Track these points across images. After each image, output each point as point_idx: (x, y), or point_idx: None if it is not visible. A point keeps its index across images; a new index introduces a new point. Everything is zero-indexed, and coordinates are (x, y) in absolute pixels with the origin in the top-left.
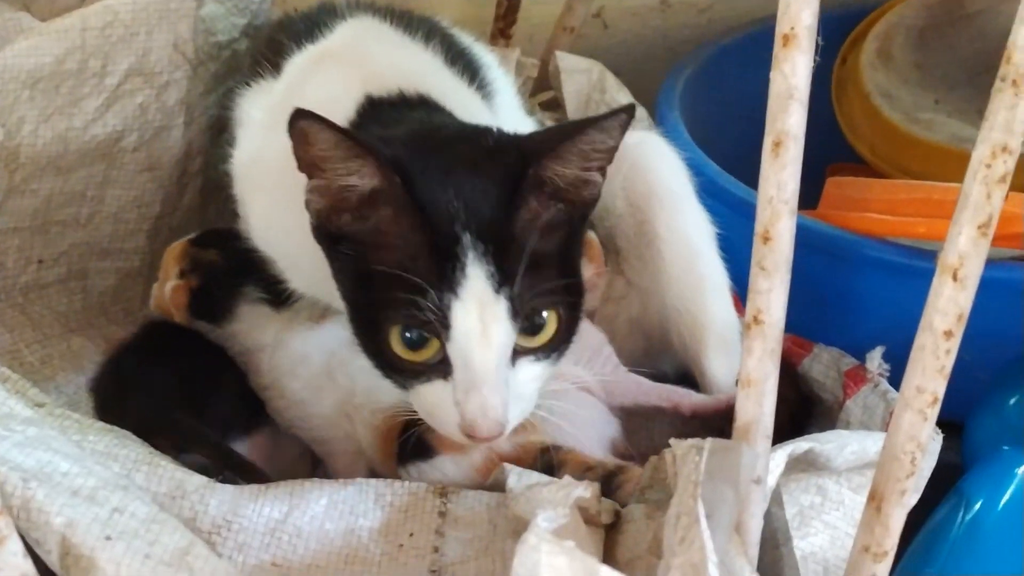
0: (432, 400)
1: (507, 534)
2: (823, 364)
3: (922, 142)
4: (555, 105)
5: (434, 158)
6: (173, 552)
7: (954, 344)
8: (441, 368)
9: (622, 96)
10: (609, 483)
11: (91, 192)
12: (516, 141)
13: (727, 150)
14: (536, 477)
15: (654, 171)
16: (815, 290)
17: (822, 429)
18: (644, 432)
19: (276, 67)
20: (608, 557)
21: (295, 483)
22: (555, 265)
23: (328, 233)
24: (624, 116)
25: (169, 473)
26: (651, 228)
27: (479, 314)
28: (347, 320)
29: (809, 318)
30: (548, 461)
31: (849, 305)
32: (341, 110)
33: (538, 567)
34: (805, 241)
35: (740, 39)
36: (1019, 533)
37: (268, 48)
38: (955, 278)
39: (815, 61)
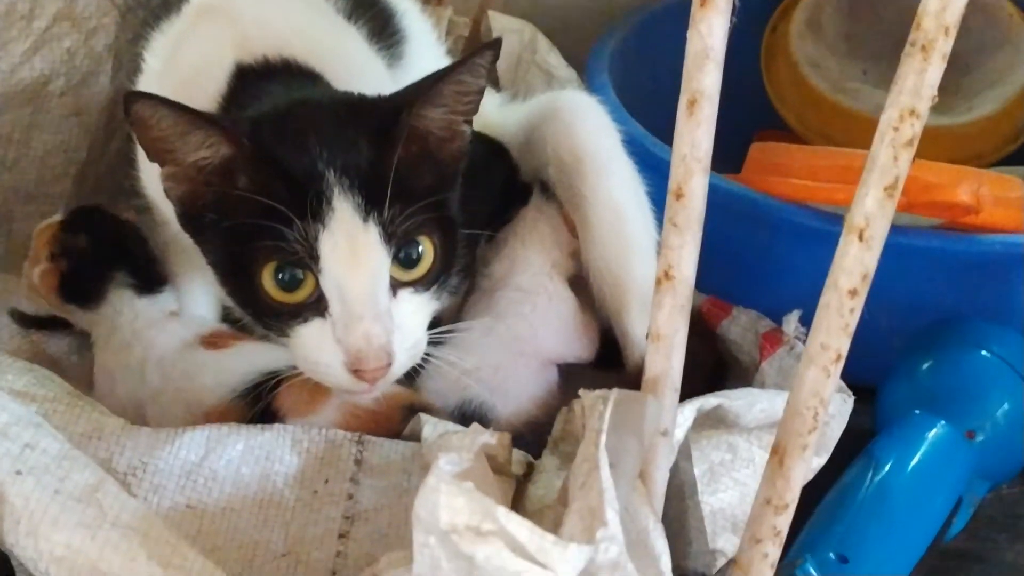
0: (313, 342)
1: (420, 482)
2: (741, 326)
3: (848, 111)
4: None
5: (293, 122)
6: (83, 488)
7: (859, 303)
8: (318, 306)
9: (553, 57)
10: None
11: (17, 135)
12: (389, 96)
13: (657, 114)
14: (451, 427)
15: (581, 133)
16: (736, 253)
17: None
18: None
19: (179, 8)
20: (518, 507)
21: (212, 427)
22: (427, 200)
23: (193, 218)
24: (490, 53)
25: (87, 415)
26: (579, 191)
27: (349, 243)
28: (219, 284)
29: (730, 281)
30: (415, 426)
31: (769, 269)
32: (213, 83)
33: (437, 508)
34: (727, 205)
35: (672, 4)
36: (926, 496)
37: None
38: (861, 238)
39: (732, 22)
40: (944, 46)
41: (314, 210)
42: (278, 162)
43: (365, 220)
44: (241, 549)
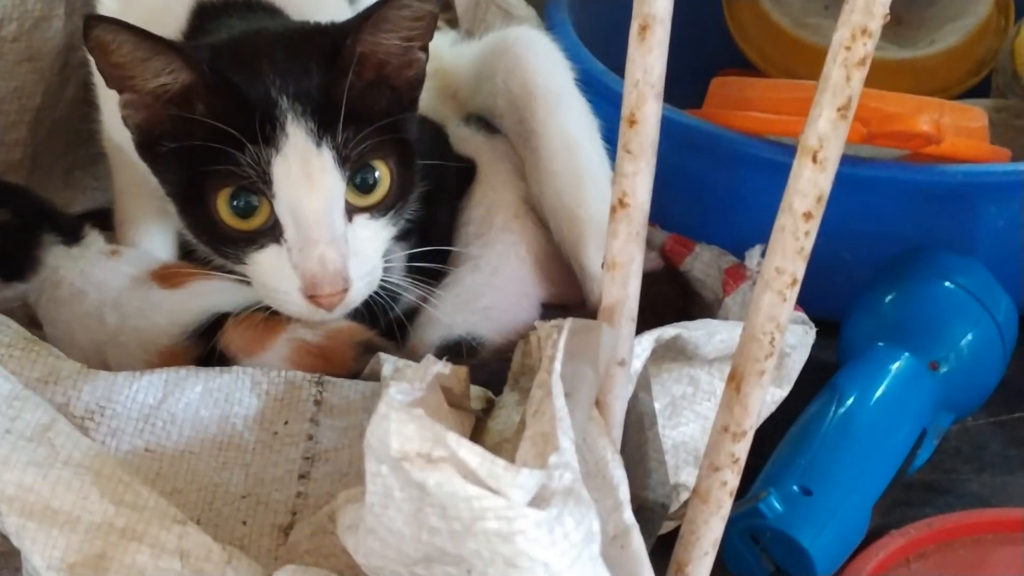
0: (268, 268)
1: None
2: (704, 263)
3: (810, 46)
4: (445, 6)
5: (247, 49)
6: (35, 428)
7: (813, 226)
8: (273, 232)
9: None
10: None
11: None
12: (339, 23)
13: (617, 51)
14: (411, 365)
15: (532, 67)
16: (698, 189)
17: None
18: None
19: None
20: (476, 442)
21: (171, 370)
22: (382, 124)
23: (151, 146)
24: None
25: (43, 359)
26: (529, 125)
27: (302, 166)
28: (177, 213)
29: (692, 217)
30: (368, 362)
31: (731, 203)
32: (174, 20)
33: (388, 435)
34: (688, 140)
35: None
36: (890, 428)
37: None
38: (815, 160)
39: None
40: None
41: (268, 135)
42: (234, 89)
43: (319, 144)
44: (201, 492)
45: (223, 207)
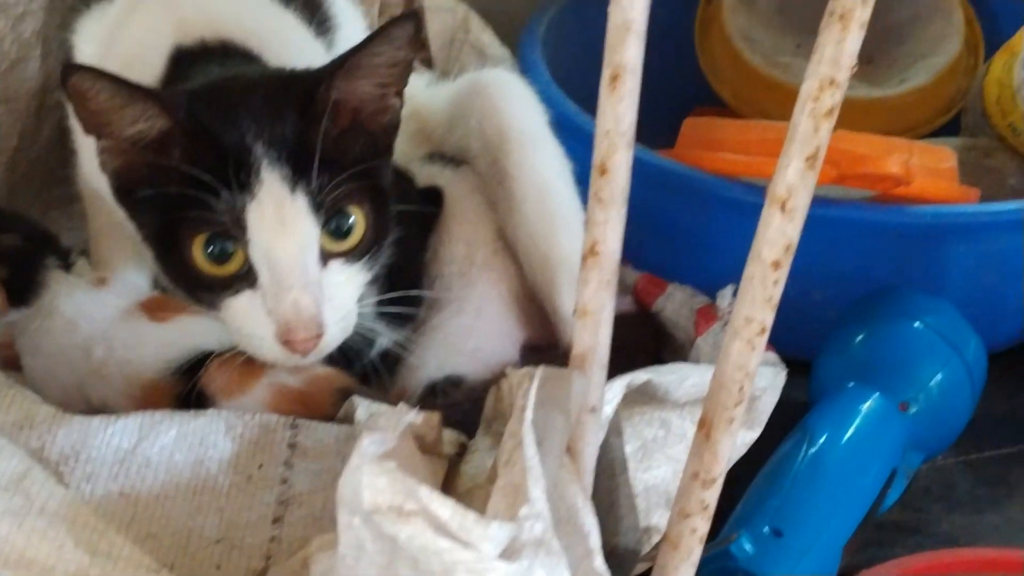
0: (243, 313)
1: None
2: (676, 303)
3: (781, 85)
4: (420, 46)
5: (223, 95)
6: (10, 477)
7: (782, 275)
8: (248, 278)
9: (486, 36)
10: None
11: None
12: (313, 70)
13: (591, 90)
14: (384, 408)
15: (505, 109)
16: (670, 229)
17: None
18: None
19: None
20: (450, 487)
21: (145, 414)
22: (357, 170)
23: (128, 192)
24: (409, 25)
25: (18, 403)
26: (503, 167)
27: (276, 212)
28: (153, 259)
29: (664, 257)
30: (349, 409)
31: (703, 244)
32: (151, 67)
33: (360, 488)
34: (660, 180)
35: None
36: (861, 468)
37: None
38: (783, 209)
39: None
40: (862, 15)
41: (242, 181)
42: (209, 135)
43: (293, 190)
44: (175, 535)
45: (198, 253)
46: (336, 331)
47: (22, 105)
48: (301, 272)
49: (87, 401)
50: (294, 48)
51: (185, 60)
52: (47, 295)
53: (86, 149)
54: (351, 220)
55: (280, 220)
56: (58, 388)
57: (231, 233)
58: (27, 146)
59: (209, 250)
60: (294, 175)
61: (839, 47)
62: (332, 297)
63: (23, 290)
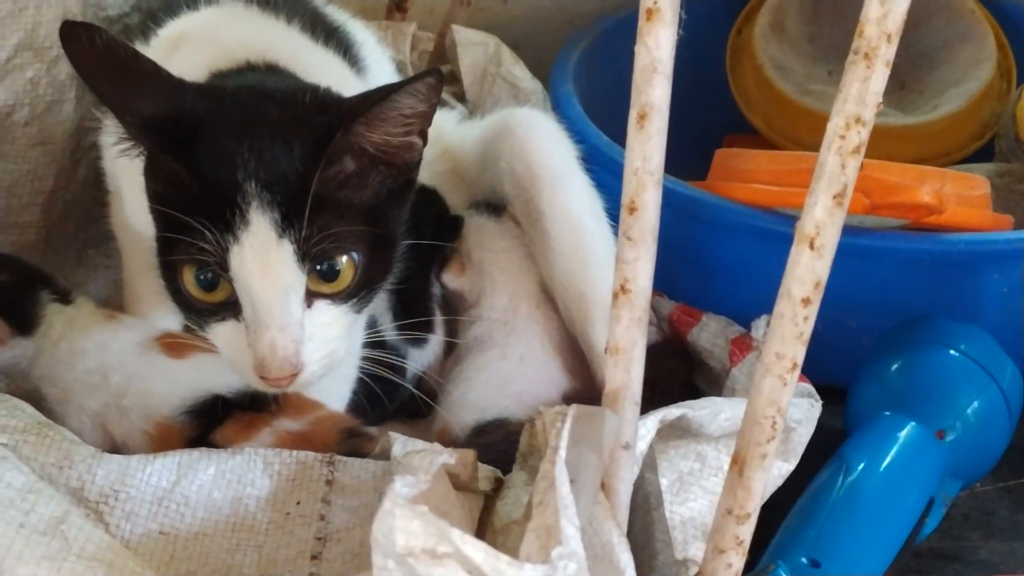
0: (227, 340)
1: None
2: (711, 332)
3: (813, 113)
4: (452, 79)
5: (235, 114)
6: (48, 521)
7: (812, 311)
8: (234, 308)
9: (518, 69)
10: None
11: None
12: (337, 102)
13: (622, 122)
14: (421, 445)
15: (534, 149)
16: (704, 260)
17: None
18: None
19: (147, 39)
20: (486, 523)
21: (183, 452)
22: (359, 215)
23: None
24: (431, 79)
25: (57, 444)
26: (535, 206)
27: (260, 258)
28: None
29: (698, 287)
30: (355, 445)
31: (736, 274)
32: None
33: (393, 531)
34: (693, 212)
35: (634, 13)
36: (898, 497)
37: (150, 17)
38: (812, 247)
39: (679, 35)
40: (887, 53)
41: (229, 222)
42: (199, 162)
43: (280, 237)
44: (214, 574)
45: (189, 279)
46: (317, 368)
47: (58, 147)
48: (281, 313)
49: (108, 435)
50: (338, 75)
51: (222, 76)
52: (46, 326)
53: (132, 191)
54: (341, 266)
55: (263, 265)
56: (82, 416)
57: (216, 268)
58: (63, 186)
59: (199, 277)
60: (283, 221)
61: (864, 85)
62: (315, 336)
63: (20, 322)
